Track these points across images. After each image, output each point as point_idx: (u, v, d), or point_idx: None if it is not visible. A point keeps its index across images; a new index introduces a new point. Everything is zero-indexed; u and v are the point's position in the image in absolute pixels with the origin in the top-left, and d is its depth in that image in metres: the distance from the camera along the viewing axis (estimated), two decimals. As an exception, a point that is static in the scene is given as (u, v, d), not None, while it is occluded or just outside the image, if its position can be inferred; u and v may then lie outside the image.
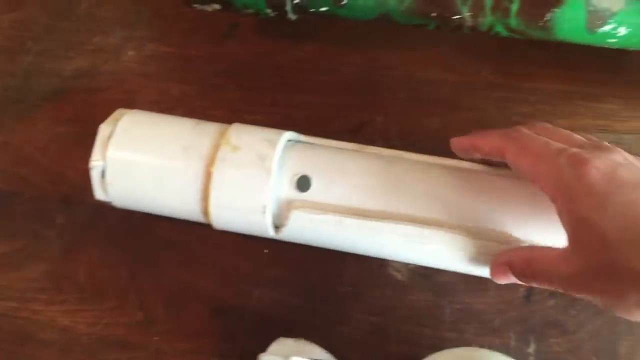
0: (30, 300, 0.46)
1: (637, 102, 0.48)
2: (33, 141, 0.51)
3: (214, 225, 0.40)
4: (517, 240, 0.37)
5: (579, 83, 0.49)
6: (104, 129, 0.40)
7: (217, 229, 0.41)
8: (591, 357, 0.41)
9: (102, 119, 0.41)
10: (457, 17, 0.42)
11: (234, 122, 0.41)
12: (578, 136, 0.35)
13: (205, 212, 0.39)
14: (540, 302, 0.43)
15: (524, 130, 0.35)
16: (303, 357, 0.35)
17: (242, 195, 0.38)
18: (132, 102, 0.50)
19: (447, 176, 0.39)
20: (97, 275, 0.46)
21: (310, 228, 0.39)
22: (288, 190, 0.39)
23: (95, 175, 0.40)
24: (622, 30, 0.40)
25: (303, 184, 0.39)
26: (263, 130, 0.40)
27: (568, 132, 0.36)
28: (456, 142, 0.39)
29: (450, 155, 0.40)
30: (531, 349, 0.42)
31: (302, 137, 0.42)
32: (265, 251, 0.45)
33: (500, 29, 0.42)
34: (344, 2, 0.43)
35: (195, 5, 0.46)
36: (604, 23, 0.40)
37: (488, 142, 0.36)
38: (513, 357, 0.36)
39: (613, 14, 0.40)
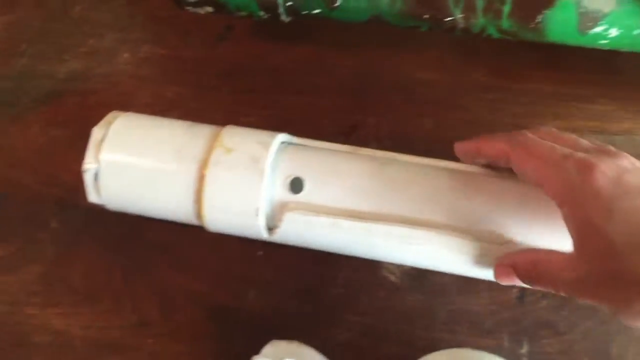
0: (24, 303, 0.46)
1: (629, 103, 0.48)
2: (27, 144, 0.50)
3: (208, 227, 0.40)
4: (512, 241, 0.37)
5: (571, 84, 0.49)
6: (97, 132, 0.40)
7: (210, 231, 0.40)
8: (583, 357, 0.42)
9: (96, 121, 0.41)
10: (450, 19, 0.42)
11: (229, 124, 0.41)
12: (584, 141, 0.35)
13: (199, 214, 0.39)
14: (533, 303, 0.43)
15: (529, 134, 0.35)
16: (296, 360, 0.35)
17: (235, 198, 0.38)
18: (126, 105, 0.49)
19: (440, 177, 0.39)
20: (91, 278, 0.46)
21: (303, 230, 0.39)
22: (281, 192, 0.39)
23: (88, 178, 0.40)
24: (613, 32, 0.40)
25: (296, 185, 0.39)
26: (256, 132, 0.40)
27: (574, 136, 0.35)
28: (460, 147, 0.38)
29: (444, 156, 0.40)
30: (524, 349, 0.42)
31: (296, 139, 0.42)
32: (259, 253, 0.45)
33: (492, 30, 0.42)
34: (336, 5, 0.43)
35: (188, 8, 0.46)
36: (595, 24, 0.40)
37: (492, 146, 0.36)
38: (506, 358, 0.36)
39: (604, 16, 0.40)
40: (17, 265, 0.47)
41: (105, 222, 0.47)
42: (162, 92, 0.51)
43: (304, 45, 0.51)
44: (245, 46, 0.52)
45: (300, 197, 0.39)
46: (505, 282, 0.36)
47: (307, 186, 0.38)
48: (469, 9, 0.41)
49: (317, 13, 0.44)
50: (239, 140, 0.39)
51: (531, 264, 0.34)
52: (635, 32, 0.40)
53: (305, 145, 0.42)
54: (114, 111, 0.42)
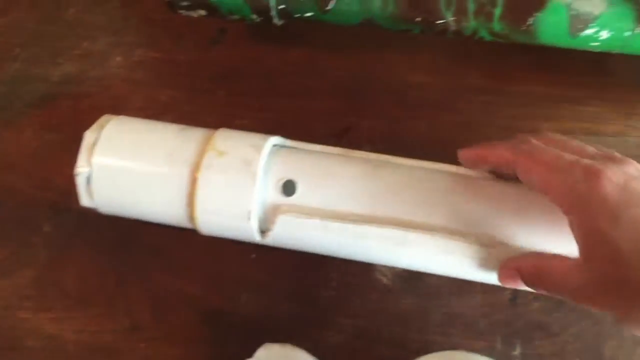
0: (17, 307, 0.46)
1: (621, 104, 0.48)
2: (20, 148, 0.50)
3: (201, 230, 0.40)
4: (508, 244, 0.37)
5: (564, 86, 0.49)
6: (89, 136, 0.40)
7: (203, 235, 0.40)
8: (575, 359, 0.42)
9: (90, 125, 0.41)
10: (441, 21, 0.42)
11: (222, 127, 0.41)
12: (590, 147, 0.34)
13: (192, 217, 0.39)
14: (525, 305, 0.43)
15: (534, 141, 0.35)
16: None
17: (227, 201, 0.38)
18: (120, 108, 0.50)
19: (433, 180, 0.39)
20: (84, 282, 0.46)
21: (296, 232, 0.39)
22: (274, 195, 0.39)
23: (80, 181, 0.40)
24: (604, 34, 0.41)
25: (289, 188, 0.39)
26: (249, 135, 0.40)
27: (579, 142, 0.35)
28: (464, 154, 0.38)
29: (438, 158, 0.40)
30: (517, 351, 0.42)
31: (288, 142, 0.42)
32: (252, 256, 0.45)
33: (484, 33, 0.42)
34: (328, 8, 0.43)
35: (181, 12, 0.46)
36: (586, 27, 0.40)
37: (497, 153, 0.36)
38: (498, 361, 0.37)
39: (595, 18, 0.40)
40: (10, 269, 0.47)
41: (98, 226, 0.47)
42: (156, 95, 0.51)
43: (297, 48, 0.51)
44: (239, 49, 0.52)
45: (293, 199, 0.39)
46: (508, 285, 0.36)
47: (300, 189, 0.39)
48: (461, 11, 0.41)
49: (309, 16, 0.44)
50: (232, 144, 0.39)
51: (536, 268, 0.34)
52: (626, 34, 0.40)
53: (297, 148, 0.42)
54: (106, 115, 0.42)
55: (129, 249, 0.46)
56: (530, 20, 0.41)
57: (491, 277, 0.38)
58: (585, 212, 0.30)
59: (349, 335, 0.43)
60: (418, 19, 0.42)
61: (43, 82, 0.53)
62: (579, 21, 0.40)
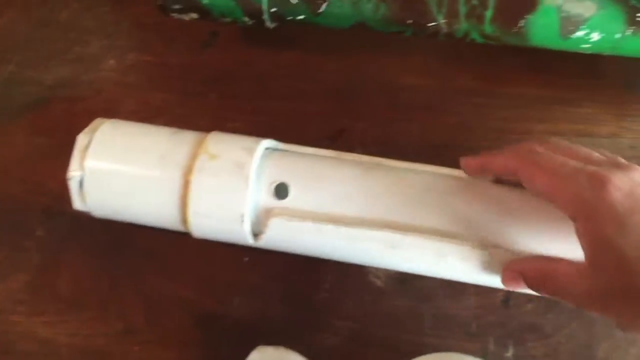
0: (10, 311, 0.45)
1: (614, 106, 0.48)
2: (12, 151, 0.50)
3: (193, 233, 0.40)
4: (501, 246, 0.37)
5: (557, 88, 0.49)
6: (81, 139, 0.40)
7: (196, 238, 0.40)
8: (568, 360, 0.42)
9: (83, 128, 0.41)
10: (433, 24, 0.42)
11: (215, 130, 0.41)
12: (595, 153, 0.34)
13: (184, 220, 0.39)
14: (518, 307, 0.43)
15: (538, 148, 0.34)
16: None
17: (220, 204, 0.38)
18: (113, 112, 0.49)
19: (425, 182, 0.39)
20: (77, 286, 0.46)
21: (288, 235, 0.39)
22: (266, 198, 0.39)
23: (73, 185, 0.40)
24: (595, 36, 0.41)
25: (281, 191, 0.39)
26: (241, 138, 0.40)
27: (584, 148, 0.35)
28: (467, 162, 0.38)
29: (430, 161, 0.41)
30: (510, 353, 0.42)
31: (281, 145, 0.42)
32: (245, 259, 0.45)
33: (475, 35, 0.42)
34: (320, 10, 0.43)
35: (173, 15, 0.46)
36: (577, 29, 0.41)
37: (501, 161, 0.36)
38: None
39: (585, 20, 0.40)
40: (3, 273, 0.47)
41: (92, 230, 0.47)
42: (148, 98, 0.51)
43: (289, 50, 0.51)
44: (231, 52, 0.52)
45: (286, 202, 0.39)
46: (512, 287, 0.36)
47: (292, 192, 0.39)
48: (452, 14, 0.41)
49: (301, 19, 0.44)
50: (224, 147, 0.39)
51: (541, 272, 0.34)
52: (617, 36, 0.40)
53: (290, 151, 0.42)
54: (99, 118, 0.42)
55: (122, 253, 0.46)
56: (521, 23, 0.41)
57: (485, 279, 0.39)
58: (592, 219, 0.30)
59: (343, 338, 0.43)
60: (409, 22, 0.42)
61: (36, 85, 0.53)
62: (570, 23, 0.40)
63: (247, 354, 0.38)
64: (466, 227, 0.37)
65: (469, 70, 0.50)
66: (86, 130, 0.41)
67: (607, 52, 0.42)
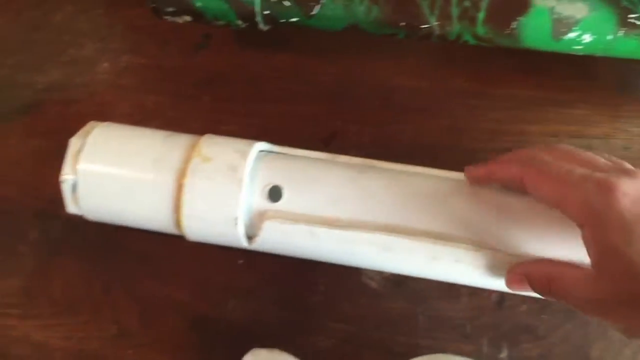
0: (4, 315, 0.45)
1: (607, 107, 0.48)
2: (6, 155, 0.50)
3: (187, 236, 0.40)
4: (494, 248, 0.37)
5: (550, 89, 0.49)
6: (74, 143, 0.40)
7: (190, 241, 0.40)
8: (562, 361, 0.42)
9: (77, 131, 0.41)
10: (426, 26, 0.42)
11: (208, 133, 0.41)
12: (601, 159, 0.34)
13: (178, 224, 0.39)
14: (512, 308, 0.43)
15: (543, 156, 0.34)
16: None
17: (214, 207, 0.38)
18: (106, 115, 0.49)
19: (419, 184, 0.39)
20: (71, 289, 0.46)
21: (282, 238, 0.39)
22: (260, 201, 0.39)
23: (66, 189, 0.40)
24: (587, 37, 0.41)
25: (275, 194, 0.39)
26: (235, 141, 0.40)
27: (590, 153, 0.35)
28: (471, 172, 0.38)
29: (423, 162, 0.41)
30: (504, 354, 0.42)
31: (274, 147, 0.42)
32: (240, 262, 0.45)
33: (468, 37, 0.42)
34: (313, 13, 0.43)
35: (166, 18, 0.46)
36: (569, 30, 0.41)
37: (506, 170, 0.35)
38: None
39: (577, 22, 0.40)
40: (-4, 277, 0.47)
41: (86, 233, 0.47)
42: (142, 101, 0.51)
43: (282, 53, 0.51)
44: (224, 55, 0.52)
45: (279, 205, 0.39)
46: (516, 290, 0.36)
47: (286, 194, 0.39)
48: (444, 16, 0.41)
49: (294, 22, 0.44)
50: (217, 149, 0.39)
51: (546, 276, 0.34)
52: (609, 37, 0.41)
53: (283, 154, 0.42)
54: (92, 121, 0.42)
55: (116, 256, 0.46)
56: (514, 24, 0.41)
57: (479, 281, 0.39)
58: (600, 226, 0.30)
59: (337, 340, 0.43)
60: (402, 24, 0.43)
61: (29, 88, 0.53)
62: (562, 25, 0.40)
63: (241, 356, 0.38)
64: (460, 229, 0.37)
65: (462, 72, 0.50)
66: (79, 133, 0.41)
67: (599, 54, 0.42)
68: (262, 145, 0.41)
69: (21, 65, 0.54)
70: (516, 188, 0.35)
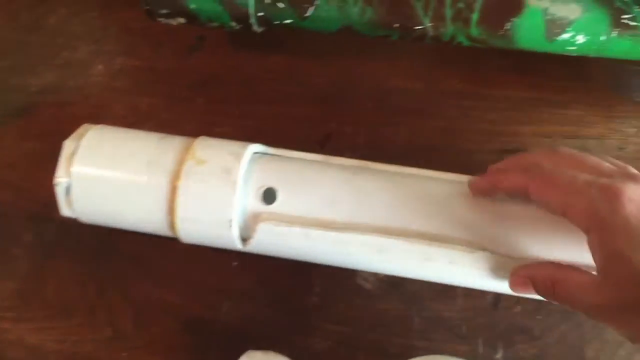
0: (-2, 318, 0.45)
1: (601, 108, 0.48)
2: (0, 158, 0.50)
3: (182, 239, 0.40)
4: (489, 249, 0.37)
5: (544, 90, 0.49)
6: (68, 145, 0.40)
7: (184, 243, 0.40)
8: (557, 362, 0.42)
9: (71, 133, 0.41)
10: (419, 27, 0.42)
11: (202, 135, 0.41)
12: (605, 163, 0.34)
13: (172, 226, 0.39)
14: (507, 309, 0.43)
15: (546, 163, 0.34)
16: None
17: (208, 209, 0.38)
18: (101, 117, 0.50)
19: (413, 185, 0.39)
20: (65, 292, 0.46)
21: (277, 240, 0.39)
22: (254, 203, 0.39)
23: (60, 192, 0.40)
24: (580, 38, 0.41)
25: (269, 196, 0.39)
26: (229, 143, 0.40)
27: (594, 158, 0.35)
28: (475, 184, 0.38)
29: (418, 164, 0.41)
30: (499, 355, 0.42)
31: (268, 149, 0.42)
32: (234, 263, 0.45)
33: (462, 38, 0.43)
34: (307, 15, 0.43)
35: (160, 20, 0.46)
36: (562, 31, 0.41)
37: (509, 180, 0.35)
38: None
39: (570, 23, 0.40)
40: (-10, 280, 0.47)
41: (80, 236, 0.47)
42: (136, 103, 0.51)
43: (277, 55, 0.51)
44: (218, 57, 0.52)
45: (273, 207, 0.38)
46: (520, 292, 0.36)
47: (280, 197, 0.38)
48: (438, 17, 0.41)
49: (288, 23, 0.44)
50: (211, 152, 0.39)
51: (551, 280, 0.34)
52: (602, 38, 0.41)
53: (278, 155, 0.42)
54: (85, 124, 0.42)
55: (110, 258, 0.46)
56: (508, 25, 0.41)
57: (474, 283, 0.39)
58: (605, 232, 0.30)
59: (332, 342, 0.43)
60: (396, 25, 0.43)
61: (23, 91, 0.53)
62: (555, 26, 0.41)
63: (236, 358, 0.38)
64: (455, 231, 0.37)
65: (456, 73, 0.50)
66: (73, 136, 0.41)
67: (592, 54, 0.43)
68: (256, 147, 0.41)
69: (15, 68, 0.54)
70: (520, 197, 0.35)
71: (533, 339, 0.42)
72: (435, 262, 0.37)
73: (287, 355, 0.39)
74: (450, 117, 0.49)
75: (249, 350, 0.39)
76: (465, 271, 0.37)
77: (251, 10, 0.43)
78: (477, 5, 0.41)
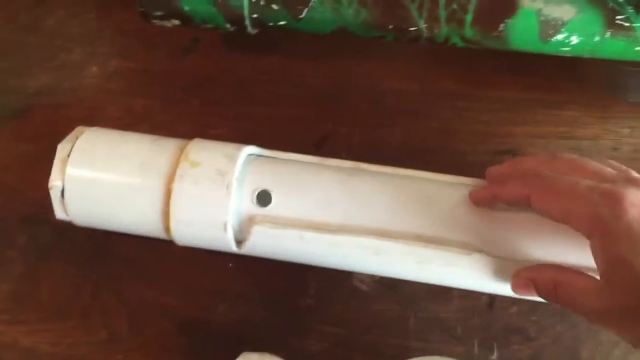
0: (-8, 321, 0.45)
1: (595, 108, 0.48)
2: (-6, 160, 0.50)
3: (176, 241, 0.40)
4: (484, 250, 0.37)
5: (539, 91, 0.49)
6: (62, 148, 0.40)
7: (179, 245, 0.40)
8: (552, 362, 0.42)
9: (66, 135, 0.41)
10: (414, 28, 0.42)
11: (197, 136, 0.41)
12: (606, 168, 0.34)
13: (167, 229, 0.39)
14: (502, 309, 0.43)
15: (547, 170, 0.34)
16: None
17: (202, 212, 0.38)
18: (95, 119, 0.50)
19: (408, 187, 0.39)
20: (59, 294, 0.45)
21: (272, 243, 0.39)
22: (249, 206, 0.39)
23: (55, 195, 0.40)
24: (574, 39, 0.41)
25: (263, 198, 0.39)
26: (223, 145, 0.40)
27: (594, 163, 0.34)
28: (476, 195, 0.37)
29: (413, 165, 0.41)
30: (494, 355, 0.42)
31: (263, 151, 0.42)
32: (230, 265, 0.45)
33: (456, 39, 0.43)
34: (301, 16, 0.43)
35: (154, 22, 0.46)
36: (556, 32, 0.41)
37: (509, 190, 0.35)
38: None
39: (564, 24, 0.40)
40: (-15, 283, 0.46)
41: (74, 238, 0.46)
42: (131, 105, 0.51)
43: (271, 56, 0.51)
44: (213, 58, 0.52)
45: (268, 210, 0.38)
46: (522, 294, 0.36)
47: (275, 199, 0.38)
48: (433, 18, 0.42)
49: (283, 25, 0.44)
50: (205, 154, 0.39)
51: (553, 282, 0.34)
52: (596, 39, 0.41)
53: (272, 157, 0.41)
54: (80, 126, 0.42)
55: (105, 260, 0.46)
56: (502, 26, 0.41)
57: (471, 284, 0.39)
58: (608, 237, 0.30)
59: (328, 343, 0.43)
60: (391, 26, 0.43)
61: (18, 93, 0.52)
62: (549, 27, 0.41)
63: (231, 360, 0.38)
64: (450, 232, 0.37)
65: (451, 75, 0.50)
66: (67, 139, 0.41)
67: (586, 55, 0.43)
68: (251, 149, 0.41)
69: (13, 70, 0.54)
70: (520, 206, 0.35)
71: (528, 340, 0.42)
72: (431, 265, 0.37)
73: (283, 357, 0.39)
74: (445, 118, 0.49)
75: (245, 352, 0.39)
76: (462, 273, 0.37)
77: (245, 12, 0.43)
78: (471, 7, 0.41)
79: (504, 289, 0.37)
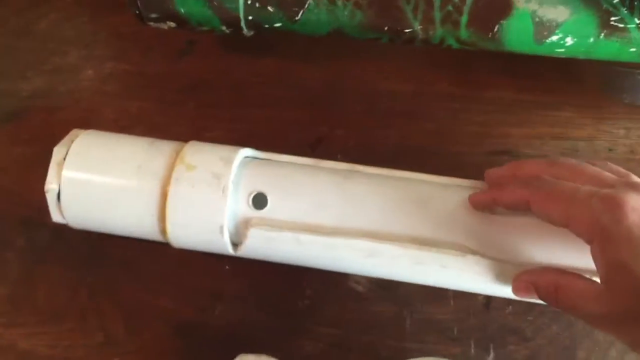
0: (-11, 324, 0.45)
1: (591, 109, 0.49)
2: (-9, 163, 0.50)
3: (173, 244, 0.40)
4: (479, 252, 0.37)
5: (535, 92, 0.49)
6: (58, 151, 0.40)
7: (176, 248, 0.40)
8: (549, 363, 0.42)
9: (62, 138, 0.41)
10: (409, 30, 0.42)
11: (193, 139, 0.41)
12: (606, 172, 0.34)
13: (163, 231, 0.39)
14: (499, 310, 0.43)
15: (547, 176, 0.34)
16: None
17: (198, 215, 0.38)
18: (91, 121, 0.50)
19: (404, 188, 0.39)
20: (56, 297, 0.45)
21: (268, 245, 0.39)
22: (245, 208, 0.39)
23: (50, 198, 0.40)
24: (569, 40, 0.41)
25: (259, 201, 0.39)
26: (219, 148, 0.40)
27: (594, 168, 0.35)
28: (475, 199, 0.37)
29: (409, 166, 0.41)
30: (491, 356, 0.42)
31: (259, 154, 0.42)
32: (226, 267, 0.45)
33: (451, 41, 0.43)
34: (297, 18, 0.43)
35: (150, 24, 0.46)
36: (551, 34, 0.41)
37: (510, 195, 0.35)
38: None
39: (559, 25, 0.40)
40: (-19, 286, 0.46)
41: (71, 240, 0.46)
42: (127, 107, 0.51)
43: (267, 58, 0.52)
44: (209, 61, 0.52)
45: (264, 212, 0.38)
46: (522, 297, 0.36)
47: (271, 202, 0.38)
48: (427, 20, 0.42)
49: (278, 27, 0.44)
50: (201, 157, 0.39)
51: (554, 286, 0.34)
52: (590, 40, 0.41)
53: (268, 160, 0.41)
54: (75, 129, 0.42)
55: (102, 263, 0.46)
56: (496, 28, 0.41)
57: (466, 286, 0.39)
58: (608, 242, 0.30)
59: (325, 344, 0.43)
60: (386, 28, 0.43)
61: (14, 96, 0.53)
62: (544, 28, 0.41)
63: (229, 362, 0.38)
64: (446, 234, 0.37)
65: (446, 76, 0.50)
66: (63, 142, 0.41)
67: (581, 56, 0.43)
68: (246, 152, 0.41)
69: (5, 73, 0.54)
70: (520, 210, 0.35)
71: (525, 340, 0.42)
72: (427, 266, 0.37)
73: (280, 358, 0.39)
74: (441, 119, 0.49)
75: (242, 354, 0.39)
76: (457, 275, 0.37)
77: (241, 14, 0.43)
78: (466, 8, 0.41)
79: (500, 290, 0.37)
